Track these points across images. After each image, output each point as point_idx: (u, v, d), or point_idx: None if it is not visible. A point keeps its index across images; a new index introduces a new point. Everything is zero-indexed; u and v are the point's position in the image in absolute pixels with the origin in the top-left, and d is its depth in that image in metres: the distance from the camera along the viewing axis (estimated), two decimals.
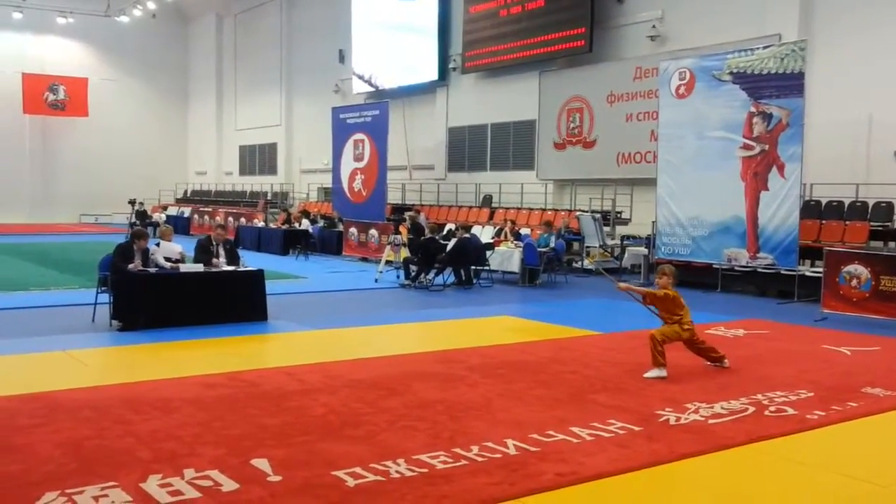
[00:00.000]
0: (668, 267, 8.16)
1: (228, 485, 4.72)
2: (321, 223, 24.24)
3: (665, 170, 15.98)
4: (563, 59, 22.18)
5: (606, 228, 18.95)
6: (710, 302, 13.87)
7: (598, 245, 18.36)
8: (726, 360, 8.22)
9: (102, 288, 10.51)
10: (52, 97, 38.51)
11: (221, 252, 11.34)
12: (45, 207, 38.42)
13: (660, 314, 8.04)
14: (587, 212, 19.17)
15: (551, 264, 15.99)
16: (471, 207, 24.26)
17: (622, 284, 8.29)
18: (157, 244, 11.07)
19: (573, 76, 21.88)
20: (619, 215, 19.79)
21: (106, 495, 4.52)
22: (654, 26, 19.80)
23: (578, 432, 5.85)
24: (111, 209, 37.76)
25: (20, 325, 10.31)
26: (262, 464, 5.07)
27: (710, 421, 6.25)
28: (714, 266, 15.33)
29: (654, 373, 7.72)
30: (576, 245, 18.61)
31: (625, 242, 18.19)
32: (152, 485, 4.68)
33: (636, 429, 5.99)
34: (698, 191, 15.35)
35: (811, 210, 15.54)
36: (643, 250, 16.83)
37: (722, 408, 6.63)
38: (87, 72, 39.27)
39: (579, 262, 18.51)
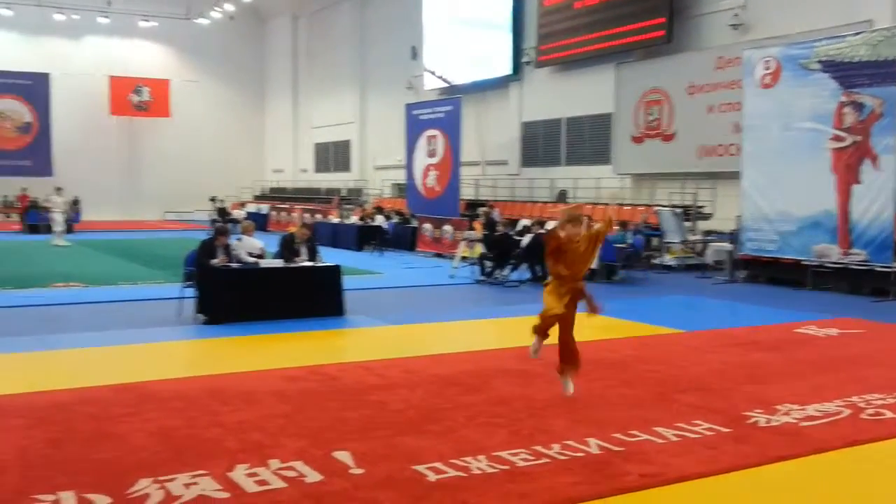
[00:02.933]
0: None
1: (312, 476, 4.77)
2: (395, 219, 24.40)
3: (750, 163, 15.53)
4: (640, 51, 21.80)
5: (687, 224, 18.55)
6: (800, 300, 13.44)
7: (678, 241, 17.99)
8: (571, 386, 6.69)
9: (187, 283, 10.79)
10: (136, 99, 39.79)
11: (304, 250, 11.50)
12: (132, 205, 39.72)
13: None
14: (667, 207, 18.78)
15: (630, 261, 15.71)
16: (545, 203, 24.06)
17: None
18: (239, 239, 11.28)
19: (651, 68, 21.47)
20: (700, 210, 19.34)
21: (196, 483, 4.62)
22: (736, 14, 19.27)
23: (663, 433, 5.72)
24: (193, 206, 38.79)
25: (112, 318, 10.66)
26: (344, 456, 5.11)
27: (803, 423, 6.03)
28: (803, 263, 14.81)
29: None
30: (655, 241, 18.26)
31: (707, 238, 17.78)
32: (240, 474, 4.77)
33: (724, 430, 5.82)
34: (785, 184, 14.87)
35: None
36: (727, 246, 16.41)
37: (815, 410, 6.38)
38: (169, 73, 40.44)
39: (659, 259, 18.17)
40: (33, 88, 37.23)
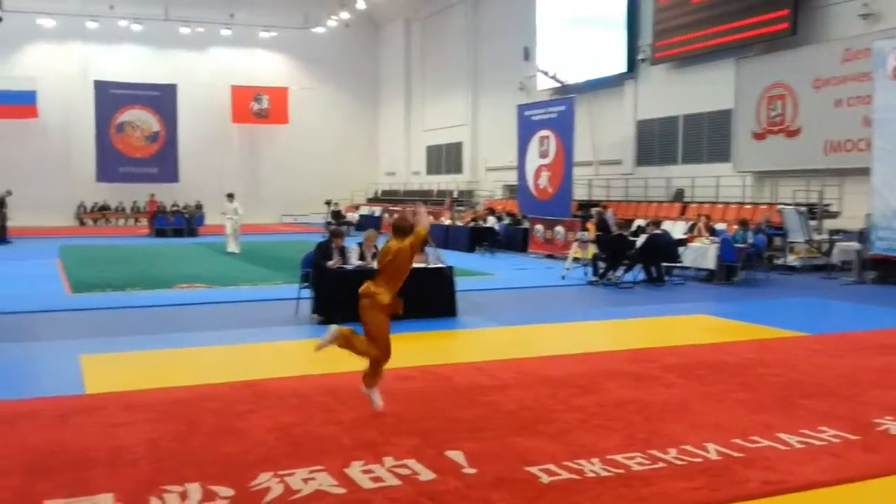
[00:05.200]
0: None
1: (425, 474, 4.83)
2: (506, 220, 24.37)
3: (881, 158, 14.73)
4: (762, 44, 21.00)
5: (812, 222, 17.77)
6: None
7: (802, 240, 17.25)
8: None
9: (304, 284, 11.09)
10: (256, 107, 41.25)
11: None
12: (252, 208, 40.82)
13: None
14: (790, 205, 18.04)
15: (750, 261, 15.17)
16: (661, 202, 23.52)
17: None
18: (360, 244, 11.40)
19: (774, 61, 20.65)
20: (826, 208, 18.47)
21: (314, 478, 4.76)
22: (865, 4, 18.28)
23: (786, 439, 5.52)
24: (309, 209, 39.84)
25: (232, 318, 11.09)
26: (456, 456, 5.14)
27: None
28: None
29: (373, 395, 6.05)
30: (777, 240, 17.56)
31: (833, 237, 16.97)
32: (355, 470, 4.88)
33: (851, 437, 5.57)
34: None
35: None
36: (855, 246, 15.61)
37: None
38: (287, 81, 41.73)
39: (781, 259, 17.46)
40: (161, 99, 39.20)
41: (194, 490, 4.57)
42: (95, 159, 38.26)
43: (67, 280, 15.22)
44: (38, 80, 36.70)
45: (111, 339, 9.49)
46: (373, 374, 6.13)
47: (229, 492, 4.55)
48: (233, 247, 21.68)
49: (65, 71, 37.74)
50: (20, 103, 36.30)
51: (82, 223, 38.33)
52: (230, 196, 22.76)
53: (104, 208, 39.25)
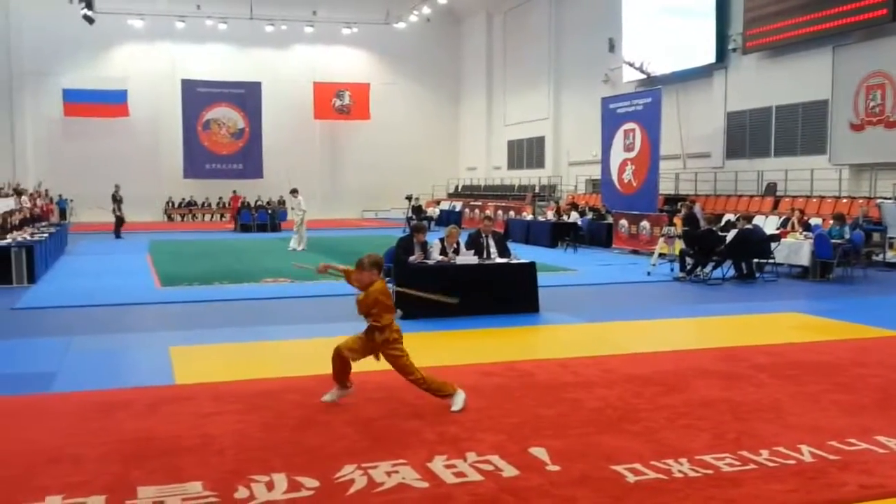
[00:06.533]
0: (366, 257, 6.35)
1: (509, 470, 4.78)
2: (590, 215, 24.06)
3: None
4: (860, 32, 20.14)
5: None
6: None
7: None
8: (458, 400, 6.08)
9: (386, 279, 11.12)
10: (338, 103, 41.85)
11: (492, 243, 11.56)
12: (333, 203, 41.84)
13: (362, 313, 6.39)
14: (890, 199, 17.26)
15: (847, 257, 14.56)
16: (752, 196, 22.84)
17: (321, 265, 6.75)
18: (441, 239, 11.43)
19: (873, 49, 19.78)
20: None
21: (397, 471, 4.77)
22: None
23: (885, 442, 5.29)
24: (389, 204, 40.26)
25: (317, 312, 11.26)
26: (540, 452, 5.09)
27: None
28: None
29: (330, 395, 6.31)
30: (876, 236, 16.83)
31: None
32: (438, 465, 4.88)
33: None
34: None
35: None
36: None
37: None
38: (369, 77, 42.20)
39: (880, 256, 16.73)
40: (246, 96, 40.25)
41: (280, 480, 4.63)
42: (182, 156, 39.55)
43: (157, 274, 15.73)
44: (129, 79, 38.19)
45: (199, 331, 9.76)
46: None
47: (314, 483, 4.60)
48: (294, 243, 21.62)
49: (154, 70, 39.08)
50: (112, 102, 37.85)
51: (170, 219, 39.67)
52: (294, 191, 22.94)
53: (191, 204, 40.54)
